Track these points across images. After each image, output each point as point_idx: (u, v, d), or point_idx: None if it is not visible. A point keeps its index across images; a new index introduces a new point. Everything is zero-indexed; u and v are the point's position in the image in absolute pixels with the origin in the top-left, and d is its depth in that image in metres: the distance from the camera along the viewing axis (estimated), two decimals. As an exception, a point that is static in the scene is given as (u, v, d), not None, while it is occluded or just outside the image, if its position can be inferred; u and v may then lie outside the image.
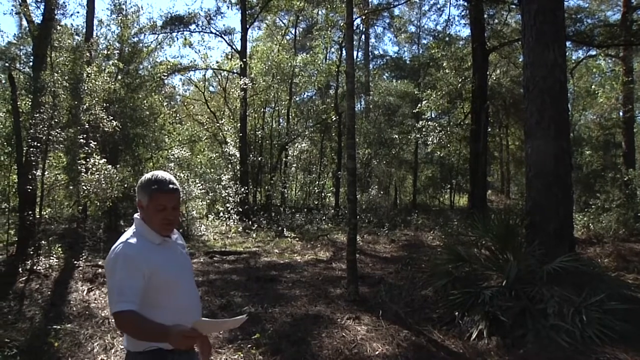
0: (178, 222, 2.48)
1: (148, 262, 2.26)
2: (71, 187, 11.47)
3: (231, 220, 15.17)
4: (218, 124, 21.18)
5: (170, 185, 2.36)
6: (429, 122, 20.21)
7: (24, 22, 12.84)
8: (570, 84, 19.95)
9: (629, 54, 17.58)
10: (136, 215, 2.44)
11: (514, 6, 15.19)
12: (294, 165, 23.68)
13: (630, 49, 16.59)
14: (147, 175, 2.39)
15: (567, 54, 12.51)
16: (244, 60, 19.58)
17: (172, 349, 2.25)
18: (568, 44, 15.43)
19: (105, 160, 11.51)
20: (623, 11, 16.80)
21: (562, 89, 7.04)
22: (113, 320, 2.17)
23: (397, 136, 22.80)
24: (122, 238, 2.35)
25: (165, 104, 18.78)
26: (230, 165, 19.71)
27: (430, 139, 19.72)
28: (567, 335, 4.96)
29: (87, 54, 12.54)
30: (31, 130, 9.27)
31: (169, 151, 16.79)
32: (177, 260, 2.46)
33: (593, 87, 22.43)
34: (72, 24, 22.46)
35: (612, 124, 22.07)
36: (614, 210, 12.36)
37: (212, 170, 19.45)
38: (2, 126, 9.74)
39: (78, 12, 12.69)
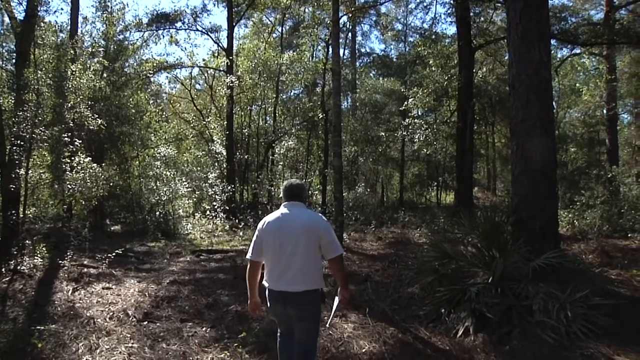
0: None
1: None
2: (56, 186, 11.38)
3: (218, 219, 15.10)
4: (204, 122, 21.10)
5: None
6: (416, 120, 20.33)
7: (6, 19, 12.70)
8: (555, 82, 20.18)
9: (612, 53, 17.79)
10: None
11: (499, 4, 15.28)
12: (281, 163, 23.65)
13: (613, 48, 16.77)
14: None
15: (552, 52, 12.61)
16: (231, 58, 19.52)
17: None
18: (553, 42, 15.55)
19: (91, 158, 11.44)
20: (606, 10, 17.01)
21: (547, 86, 7.07)
22: (337, 257, 3.73)
23: (383, 134, 22.89)
24: (315, 213, 3.86)
25: (151, 102, 18.71)
26: (216, 164, 19.66)
27: (416, 137, 19.86)
28: (552, 331, 5.00)
29: (72, 52, 12.44)
30: (14, 129, 9.15)
31: (155, 149, 16.71)
32: None
33: (577, 85, 22.72)
34: (56, 21, 22.18)
35: (596, 122, 22.37)
36: (598, 207, 12.49)
37: (199, 168, 19.39)
38: (-16, 124, 9.61)
39: (62, 9, 12.73)
